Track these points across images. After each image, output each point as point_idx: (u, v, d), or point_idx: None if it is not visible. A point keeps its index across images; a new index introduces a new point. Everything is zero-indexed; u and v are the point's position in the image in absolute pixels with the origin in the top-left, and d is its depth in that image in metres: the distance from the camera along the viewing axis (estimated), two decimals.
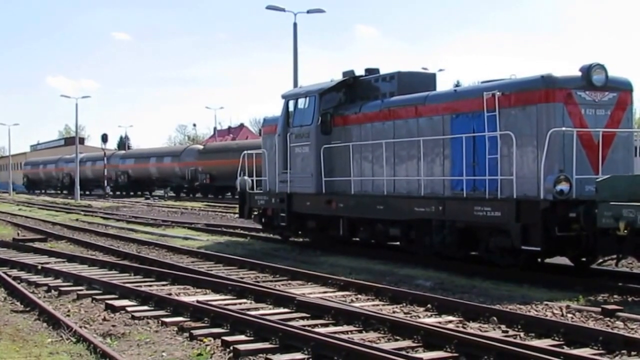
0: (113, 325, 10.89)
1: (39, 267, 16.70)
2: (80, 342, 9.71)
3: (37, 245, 22.22)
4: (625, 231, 12.47)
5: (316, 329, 9.96)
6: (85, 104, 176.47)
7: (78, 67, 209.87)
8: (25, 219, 36.72)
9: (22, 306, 12.66)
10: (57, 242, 23.95)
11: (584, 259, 15.47)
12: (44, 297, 13.55)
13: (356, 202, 19.02)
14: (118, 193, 72.11)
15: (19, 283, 14.70)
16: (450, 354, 8.81)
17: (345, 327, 10.37)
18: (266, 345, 9.36)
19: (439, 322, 10.54)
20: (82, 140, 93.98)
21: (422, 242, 17.01)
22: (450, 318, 11.01)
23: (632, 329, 10.17)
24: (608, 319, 10.86)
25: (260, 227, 24.12)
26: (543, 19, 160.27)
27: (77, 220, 35.32)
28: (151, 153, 71.59)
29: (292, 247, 21.42)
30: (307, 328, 9.95)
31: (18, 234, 26.64)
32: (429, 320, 10.76)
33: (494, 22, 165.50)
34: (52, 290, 14.08)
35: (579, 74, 14.74)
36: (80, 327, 10.60)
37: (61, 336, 10.15)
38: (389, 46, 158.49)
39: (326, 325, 10.57)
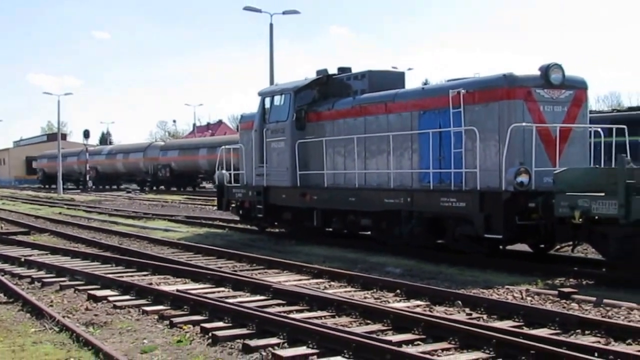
0: (95, 315, 10.75)
1: (22, 260, 16.34)
2: (63, 331, 9.59)
3: (20, 238, 21.72)
4: (580, 220, 12.57)
5: (291, 315, 9.98)
6: (67, 100, 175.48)
7: (60, 65, 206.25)
8: (8, 212, 35.58)
9: (6, 297, 12.36)
10: (40, 234, 23.48)
11: (542, 246, 15.66)
12: (28, 288, 13.28)
13: (329, 194, 19.05)
14: (155, 188, 63.48)
15: (2, 275, 14.37)
16: (417, 336, 8.84)
17: (319, 313, 10.39)
18: (243, 331, 9.33)
19: (408, 307, 10.58)
20: (64, 137, 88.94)
21: (391, 231, 17.09)
22: (418, 302, 11.05)
23: (586, 309, 10.32)
24: (564, 301, 11.00)
25: (237, 218, 24.09)
26: (506, 15, 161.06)
27: (60, 213, 34.65)
28: (201, 143, 62.67)
29: (269, 237, 21.36)
30: (282, 314, 9.97)
31: (1, 227, 26.10)
32: (398, 305, 10.81)
33: (460, 19, 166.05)
34: (36, 282, 13.81)
35: (538, 73, 14.89)
36: (63, 316, 10.44)
37: (44, 326, 10.01)
38: (361, 45, 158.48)
39: (301, 311, 10.58)
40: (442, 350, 8.29)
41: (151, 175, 63.38)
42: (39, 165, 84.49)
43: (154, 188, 63.22)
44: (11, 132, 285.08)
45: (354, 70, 20.17)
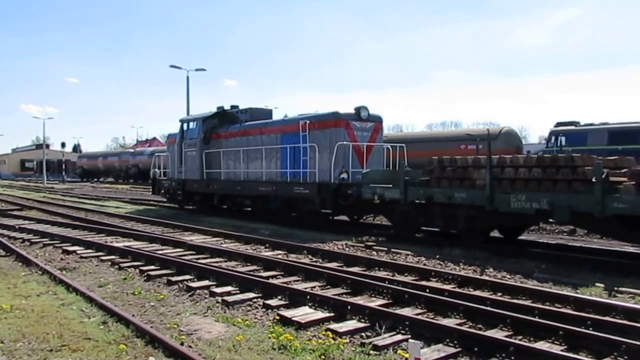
0: (67, 263, 10.12)
1: (17, 227, 15.21)
2: (44, 274, 8.99)
3: (15, 212, 20.17)
4: (378, 200, 12.90)
5: (199, 261, 9.70)
6: (49, 122, 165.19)
7: (44, 99, 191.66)
8: (7, 196, 32.45)
9: (4, 252, 11.45)
10: (29, 210, 21.79)
11: (355, 217, 15.94)
12: (20, 246, 12.31)
13: (224, 184, 18.66)
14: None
15: (2, 237, 13.24)
16: (279, 272, 8.83)
17: (218, 259, 10.17)
18: (168, 271, 9.02)
19: (273, 255, 10.54)
20: (47, 146, 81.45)
21: (263, 208, 16.95)
22: (279, 252, 11.03)
23: (382, 255, 10.56)
24: (368, 250, 11.21)
25: (165, 200, 23.19)
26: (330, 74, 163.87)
27: (44, 196, 32.06)
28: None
29: (185, 212, 20.61)
30: (193, 260, 9.69)
31: (2, 206, 24.04)
32: (267, 253, 10.72)
33: (309, 78, 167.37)
34: (26, 242, 12.86)
35: (353, 111, 15.16)
36: (45, 264, 9.74)
37: (31, 271, 9.33)
38: (244, 91, 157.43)
39: (205, 258, 10.31)
40: (294, 281, 8.28)
41: None
42: (78, 163, 65.83)
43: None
44: (9, 143, 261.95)
45: (240, 107, 19.86)
